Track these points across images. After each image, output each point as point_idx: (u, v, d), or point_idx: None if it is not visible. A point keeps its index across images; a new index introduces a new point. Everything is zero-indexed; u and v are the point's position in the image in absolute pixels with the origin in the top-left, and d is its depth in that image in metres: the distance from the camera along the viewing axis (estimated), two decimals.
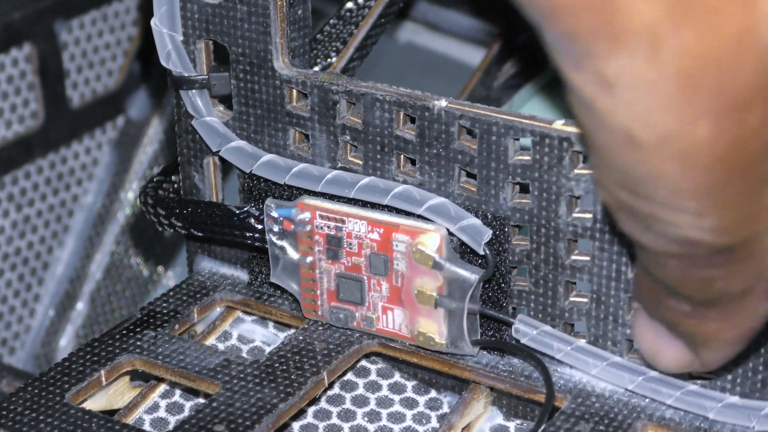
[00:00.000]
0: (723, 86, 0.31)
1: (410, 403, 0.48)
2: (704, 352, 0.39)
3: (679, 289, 0.36)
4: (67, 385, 0.46)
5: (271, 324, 0.51)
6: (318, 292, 0.47)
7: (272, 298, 0.51)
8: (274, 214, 0.47)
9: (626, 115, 0.32)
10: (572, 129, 0.42)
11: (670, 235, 0.34)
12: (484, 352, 0.47)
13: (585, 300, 0.44)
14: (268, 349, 0.50)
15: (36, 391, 0.45)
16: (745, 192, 0.33)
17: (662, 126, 0.32)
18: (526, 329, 0.45)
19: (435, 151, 0.45)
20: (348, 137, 0.47)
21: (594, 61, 0.31)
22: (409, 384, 0.49)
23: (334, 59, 0.54)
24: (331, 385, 0.47)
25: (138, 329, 0.49)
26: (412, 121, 0.45)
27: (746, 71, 0.31)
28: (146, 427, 0.47)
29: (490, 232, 0.44)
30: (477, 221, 0.44)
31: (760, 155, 0.32)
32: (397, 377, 0.49)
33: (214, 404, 0.44)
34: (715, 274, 0.35)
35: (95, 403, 0.47)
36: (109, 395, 0.48)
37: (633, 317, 0.42)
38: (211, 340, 0.50)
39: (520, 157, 0.43)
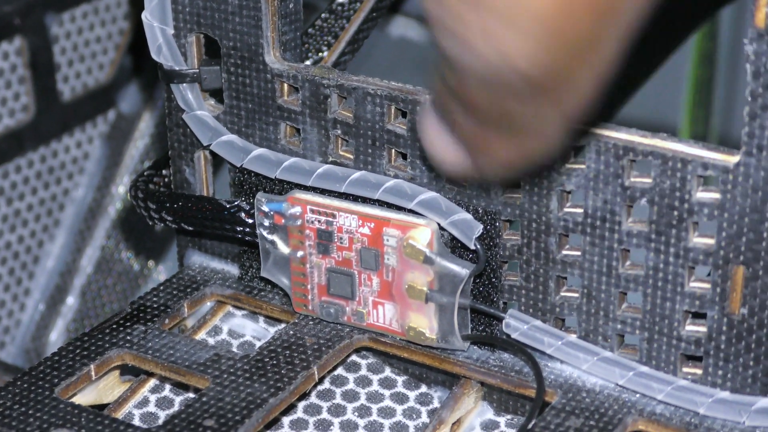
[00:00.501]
0: None
1: (401, 398, 0.48)
2: (480, 163, 0.37)
3: (472, 105, 0.34)
4: (56, 380, 0.46)
5: (261, 318, 0.51)
6: (308, 286, 0.47)
7: (263, 293, 0.50)
8: (265, 208, 0.47)
9: None
10: None
11: (492, 56, 0.32)
12: (475, 347, 0.46)
13: (576, 295, 0.44)
14: (258, 344, 0.50)
15: (25, 385, 0.45)
16: (591, 27, 0.31)
17: None
18: (516, 324, 0.45)
19: None
20: (339, 131, 0.46)
21: None
22: (400, 379, 0.48)
23: (325, 53, 0.54)
24: (321, 380, 0.47)
25: (128, 324, 0.48)
26: (404, 115, 0.45)
27: None
28: (136, 421, 0.47)
29: (481, 226, 0.44)
30: (468, 216, 0.44)
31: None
32: (387, 372, 0.49)
33: (204, 399, 0.44)
34: (515, 108, 0.33)
35: (85, 398, 0.47)
36: (99, 390, 0.48)
37: (424, 110, 0.39)
38: (201, 335, 0.50)
39: None
